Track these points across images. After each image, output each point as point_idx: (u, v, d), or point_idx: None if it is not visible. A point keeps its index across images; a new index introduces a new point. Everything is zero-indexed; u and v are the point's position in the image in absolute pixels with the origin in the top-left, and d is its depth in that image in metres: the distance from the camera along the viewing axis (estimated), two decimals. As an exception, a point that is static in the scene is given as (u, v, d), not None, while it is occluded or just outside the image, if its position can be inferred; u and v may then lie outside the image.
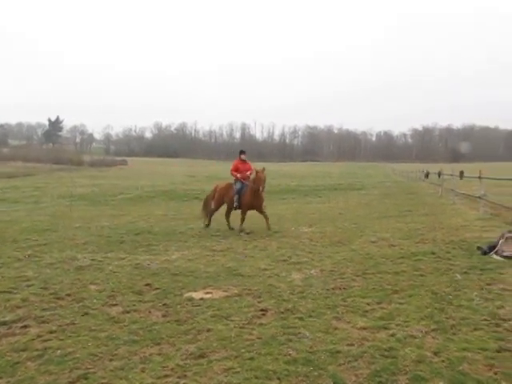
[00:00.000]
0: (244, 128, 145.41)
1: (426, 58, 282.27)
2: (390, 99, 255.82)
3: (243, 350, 4.43)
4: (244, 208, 12.10)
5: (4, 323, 5.19)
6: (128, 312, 5.58)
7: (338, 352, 4.33)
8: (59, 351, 4.42)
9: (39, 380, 3.89)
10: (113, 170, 60.06)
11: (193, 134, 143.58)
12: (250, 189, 11.84)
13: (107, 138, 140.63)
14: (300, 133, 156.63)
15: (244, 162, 12.60)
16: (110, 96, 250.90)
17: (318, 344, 4.54)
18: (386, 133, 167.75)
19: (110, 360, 4.28)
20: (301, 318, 5.29)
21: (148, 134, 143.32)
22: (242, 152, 12.83)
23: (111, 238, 11.08)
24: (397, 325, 4.98)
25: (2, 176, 47.57)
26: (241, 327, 5.05)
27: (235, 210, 12.36)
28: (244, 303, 5.89)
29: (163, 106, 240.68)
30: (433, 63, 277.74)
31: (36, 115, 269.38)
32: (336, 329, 4.95)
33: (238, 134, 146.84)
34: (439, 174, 24.94)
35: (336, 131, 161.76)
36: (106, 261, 8.41)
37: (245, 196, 12.00)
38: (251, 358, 4.25)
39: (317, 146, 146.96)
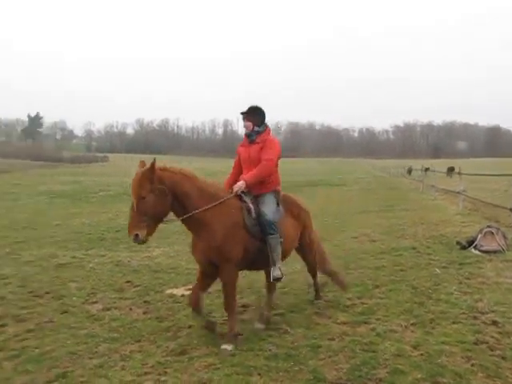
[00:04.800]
0: (226, 124, 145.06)
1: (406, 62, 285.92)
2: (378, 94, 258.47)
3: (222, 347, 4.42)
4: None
5: (-21, 323, 5.10)
6: (108, 309, 5.54)
7: (319, 347, 4.36)
8: (37, 350, 4.36)
9: (16, 380, 3.83)
10: (94, 167, 59.36)
11: (175, 131, 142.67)
12: None
13: (88, 135, 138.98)
14: (282, 129, 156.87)
15: (251, 140, 4.95)
16: (93, 91, 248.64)
17: (299, 339, 4.56)
18: (368, 129, 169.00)
19: (90, 358, 4.24)
20: (282, 314, 5.31)
21: (130, 131, 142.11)
22: (244, 115, 4.96)
23: (92, 235, 10.94)
24: (377, 319, 5.03)
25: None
26: (221, 323, 5.04)
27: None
28: (225, 299, 5.88)
29: (146, 102, 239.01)
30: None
31: (16, 111, 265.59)
32: (317, 324, 4.98)
33: (220, 131, 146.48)
34: (426, 170, 25.15)
35: (318, 127, 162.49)
36: (86, 258, 8.32)
37: None
38: (232, 354, 4.25)
39: (298, 142, 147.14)
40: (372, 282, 6.46)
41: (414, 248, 8.64)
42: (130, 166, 57.67)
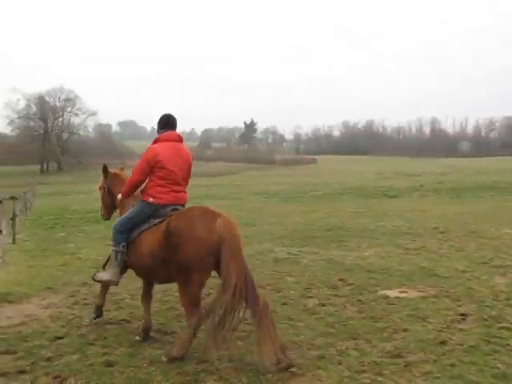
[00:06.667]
0: (434, 122, 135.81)
1: None
2: None
3: (443, 356, 4.22)
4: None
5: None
6: (323, 305, 5.77)
7: None
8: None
9: (247, 357, 4.29)
10: (303, 168, 62.24)
11: (380, 131, 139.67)
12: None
13: (297, 138, 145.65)
14: (498, 125, 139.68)
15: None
16: (300, 98, 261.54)
17: (534, 361, 4.07)
18: None
19: (309, 349, 4.48)
20: (508, 329, 4.82)
21: (336, 133, 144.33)
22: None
23: (304, 233, 11.55)
24: None
25: (207, 175, 53.48)
26: (439, 330, 4.84)
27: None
28: (442, 305, 5.63)
29: (350, 105, 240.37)
30: None
31: (235, 120, 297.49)
32: (555, 344, 4.38)
33: (427, 129, 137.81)
34: None
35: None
36: (300, 254, 8.82)
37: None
38: (452, 365, 4.03)
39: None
40: None
41: None
42: (337, 167, 59.13)
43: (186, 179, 4.78)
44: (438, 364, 4.07)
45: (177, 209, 4.63)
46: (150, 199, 4.57)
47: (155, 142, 4.74)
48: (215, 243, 4.06)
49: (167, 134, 4.73)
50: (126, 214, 4.73)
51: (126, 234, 4.62)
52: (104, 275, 4.83)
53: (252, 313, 4.11)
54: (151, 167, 4.55)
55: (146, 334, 4.77)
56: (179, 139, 4.76)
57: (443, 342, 4.52)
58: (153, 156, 4.54)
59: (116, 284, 4.91)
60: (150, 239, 4.45)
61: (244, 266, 4.15)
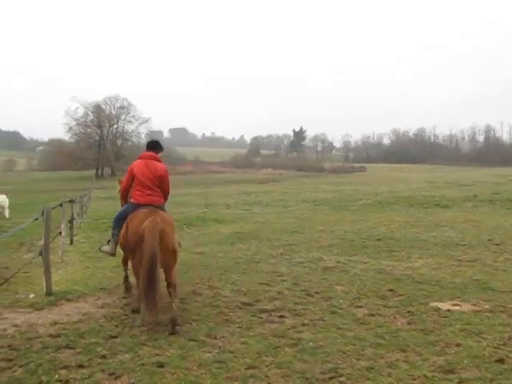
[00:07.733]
0: (488, 130, 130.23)
1: None
2: None
3: (500, 376, 4.04)
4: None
5: (265, 311, 5.92)
6: (373, 315, 5.70)
7: None
8: (311, 343, 4.80)
9: (296, 365, 4.31)
10: (352, 177, 61.46)
11: (432, 139, 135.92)
12: None
13: (346, 146, 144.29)
14: None
15: None
16: (351, 105, 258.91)
17: None
18: None
19: (357, 359, 4.44)
20: None
21: (386, 141, 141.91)
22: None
23: (354, 242, 11.41)
24: None
25: (256, 182, 53.96)
26: (495, 347, 4.66)
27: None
28: (497, 321, 5.42)
29: (400, 112, 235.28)
30: None
31: (284, 127, 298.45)
32: None
33: (481, 138, 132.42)
34: None
35: None
36: (350, 264, 8.72)
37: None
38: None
39: None
40: None
41: None
42: (387, 176, 58.12)
43: (156, 186, 6.13)
44: (495, 383, 3.92)
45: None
46: (131, 199, 6.23)
47: (138, 158, 6.38)
48: (140, 235, 5.45)
49: (145, 153, 6.37)
50: (122, 208, 6.53)
51: (121, 223, 6.24)
52: (106, 248, 6.77)
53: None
54: (132, 177, 6.23)
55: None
56: (152, 157, 6.29)
57: (500, 360, 4.34)
58: (130, 170, 6.30)
59: (113, 254, 6.72)
60: (124, 228, 6.04)
61: (153, 253, 5.27)
